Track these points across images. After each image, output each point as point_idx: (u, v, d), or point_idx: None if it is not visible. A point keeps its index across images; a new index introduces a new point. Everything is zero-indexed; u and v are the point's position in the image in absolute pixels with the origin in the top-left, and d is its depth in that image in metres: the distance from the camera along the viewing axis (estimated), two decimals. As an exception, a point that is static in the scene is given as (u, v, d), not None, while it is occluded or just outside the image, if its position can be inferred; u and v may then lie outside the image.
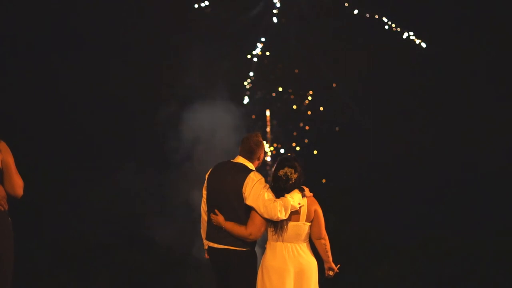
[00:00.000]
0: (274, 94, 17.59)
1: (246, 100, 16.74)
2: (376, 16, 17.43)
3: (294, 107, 17.83)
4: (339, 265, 5.50)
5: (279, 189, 5.31)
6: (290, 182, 5.32)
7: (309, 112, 17.81)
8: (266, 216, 5.23)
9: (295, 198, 5.26)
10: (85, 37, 16.02)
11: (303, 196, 5.32)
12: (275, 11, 17.38)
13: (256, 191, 5.27)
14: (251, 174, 5.36)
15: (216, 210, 5.41)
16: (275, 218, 5.23)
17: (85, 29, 15.81)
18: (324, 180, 17.27)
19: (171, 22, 16.26)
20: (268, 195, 5.25)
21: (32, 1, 15.61)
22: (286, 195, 5.27)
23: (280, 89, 17.61)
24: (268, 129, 17.20)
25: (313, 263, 5.36)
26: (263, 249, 5.46)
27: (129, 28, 16.00)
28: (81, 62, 16.01)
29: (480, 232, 16.67)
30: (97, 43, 16.15)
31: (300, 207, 5.30)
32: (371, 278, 17.23)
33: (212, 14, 16.86)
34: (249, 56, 17.24)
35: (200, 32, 16.46)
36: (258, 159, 5.56)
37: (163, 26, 16.29)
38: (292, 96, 17.76)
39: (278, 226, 5.30)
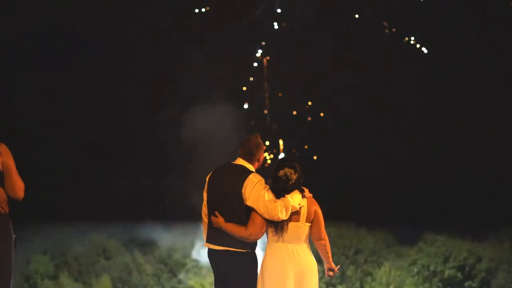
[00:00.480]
0: (274, 97, 17.57)
1: (246, 105, 16.70)
2: (378, 21, 17.42)
3: (294, 112, 17.81)
4: (339, 266, 5.52)
5: (279, 189, 5.33)
6: (290, 183, 5.34)
7: (309, 118, 17.81)
8: (266, 216, 5.24)
9: (295, 199, 5.28)
10: (85, 39, 16.01)
11: (303, 197, 5.34)
12: (275, 14, 17.36)
13: (256, 192, 5.29)
14: (251, 176, 5.38)
15: (216, 212, 5.42)
16: (275, 219, 5.24)
17: (84, 30, 15.79)
18: (323, 183, 17.25)
19: (172, 25, 16.26)
20: (268, 195, 5.27)
21: (32, 1, 15.61)
22: (286, 195, 5.28)
23: (280, 94, 17.60)
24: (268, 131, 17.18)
25: (313, 264, 5.37)
26: (264, 251, 5.46)
27: (129, 30, 15.99)
28: (81, 63, 15.99)
29: (480, 232, 16.66)
30: (97, 45, 16.14)
31: (300, 208, 5.32)
32: (372, 278, 17.22)
33: (213, 17, 16.84)
34: (250, 61, 17.22)
35: (201, 34, 16.45)
36: (258, 161, 5.58)
37: (164, 28, 16.29)
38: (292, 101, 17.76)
39: (278, 226, 5.31)
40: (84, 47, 16.12)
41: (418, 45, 17.73)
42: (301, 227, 5.35)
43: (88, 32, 15.87)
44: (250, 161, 5.52)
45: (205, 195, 5.60)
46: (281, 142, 17.30)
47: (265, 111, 17.39)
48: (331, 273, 5.50)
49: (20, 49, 15.64)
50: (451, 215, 17.36)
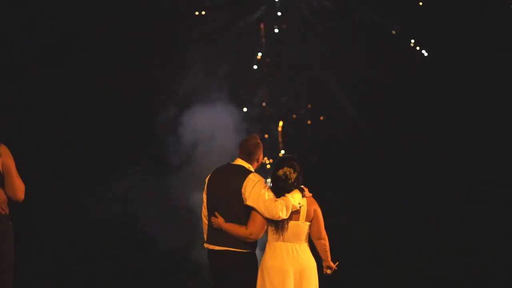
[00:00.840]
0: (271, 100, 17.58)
1: (245, 109, 16.72)
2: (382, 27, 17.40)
3: (294, 116, 17.82)
4: (337, 263, 5.53)
5: (279, 189, 5.35)
6: (290, 182, 5.36)
7: (309, 122, 17.80)
8: (267, 215, 5.26)
9: (295, 198, 5.30)
10: (83, 40, 16.01)
11: (303, 196, 5.36)
12: (276, 16, 17.37)
13: (256, 191, 5.31)
14: (251, 175, 5.41)
15: (216, 213, 5.43)
16: (276, 217, 5.26)
17: (83, 31, 15.80)
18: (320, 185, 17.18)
19: (171, 26, 16.26)
20: (268, 195, 5.30)
21: (32, 2, 15.61)
22: (286, 194, 5.30)
23: (281, 97, 17.60)
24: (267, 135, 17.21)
25: (312, 263, 5.40)
26: (263, 251, 5.47)
27: (128, 31, 15.99)
28: (80, 65, 16.00)
29: (480, 235, 16.67)
30: (95, 46, 16.14)
31: (300, 207, 5.34)
32: (372, 280, 17.23)
33: (213, 18, 16.83)
34: (251, 65, 17.22)
35: (200, 35, 16.44)
36: (257, 161, 5.60)
37: (163, 29, 16.29)
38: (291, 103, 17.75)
39: (279, 225, 5.33)
40: (82, 49, 16.12)
41: (418, 48, 17.73)
42: (301, 226, 5.37)
43: (86, 33, 15.87)
44: (249, 161, 5.55)
45: (204, 196, 5.62)
46: (280, 123, 17.32)
47: (265, 112, 17.40)
48: (328, 271, 5.53)
49: (18, 50, 15.64)
50: (452, 217, 17.37)
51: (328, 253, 5.48)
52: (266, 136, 16.96)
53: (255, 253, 5.51)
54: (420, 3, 17.07)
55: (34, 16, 15.51)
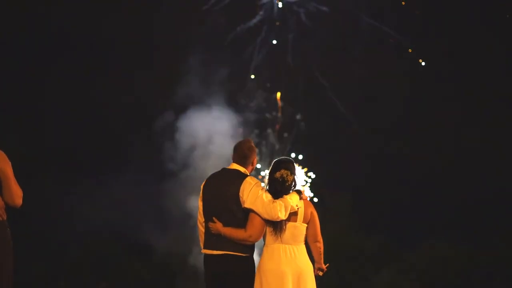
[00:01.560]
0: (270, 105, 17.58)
1: (244, 111, 16.70)
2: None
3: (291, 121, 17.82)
4: (327, 264, 5.54)
5: (276, 191, 5.35)
6: (287, 184, 5.37)
7: (306, 127, 17.81)
8: (266, 216, 5.26)
9: (293, 199, 5.32)
10: (82, 44, 16.03)
11: (300, 198, 5.38)
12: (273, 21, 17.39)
13: (254, 193, 5.31)
14: (248, 178, 5.41)
15: (214, 218, 5.41)
16: (275, 218, 5.27)
17: (81, 35, 15.82)
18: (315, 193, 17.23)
19: (170, 30, 16.28)
20: (266, 196, 5.31)
21: (32, 4, 15.64)
22: (285, 196, 5.31)
23: (279, 101, 17.61)
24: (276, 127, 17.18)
25: (310, 266, 5.40)
26: (260, 255, 5.47)
27: (127, 36, 16.01)
28: (78, 70, 16.01)
29: (481, 240, 16.69)
30: (93, 51, 16.16)
31: (297, 209, 5.35)
32: (372, 285, 17.22)
33: (211, 23, 16.85)
34: (249, 70, 17.22)
35: (198, 40, 16.45)
36: (252, 164, 5.61)
37: (161, 34, 16.31)
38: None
39: (277, 226, 5.33)
40: (79, 54, 16.13)
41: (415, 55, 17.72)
42: (299, 227, 5.38)
43: (85, 38, 15.89)
44: (244, 165, 5.55)
45: (200, 203, 5.59)
46: (278, 94, 17.32)
47: (263, 121, 17.38)
48: (320, 273, 5.53)
49: (16, 52, 15.64)
50: (450, 220, 17.38)
51: (322, 256, 5.49)
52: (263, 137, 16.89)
53: (253, 257, 5.50)
54: (417, 12, 17.11)
55: (34, 16, 15.52)
